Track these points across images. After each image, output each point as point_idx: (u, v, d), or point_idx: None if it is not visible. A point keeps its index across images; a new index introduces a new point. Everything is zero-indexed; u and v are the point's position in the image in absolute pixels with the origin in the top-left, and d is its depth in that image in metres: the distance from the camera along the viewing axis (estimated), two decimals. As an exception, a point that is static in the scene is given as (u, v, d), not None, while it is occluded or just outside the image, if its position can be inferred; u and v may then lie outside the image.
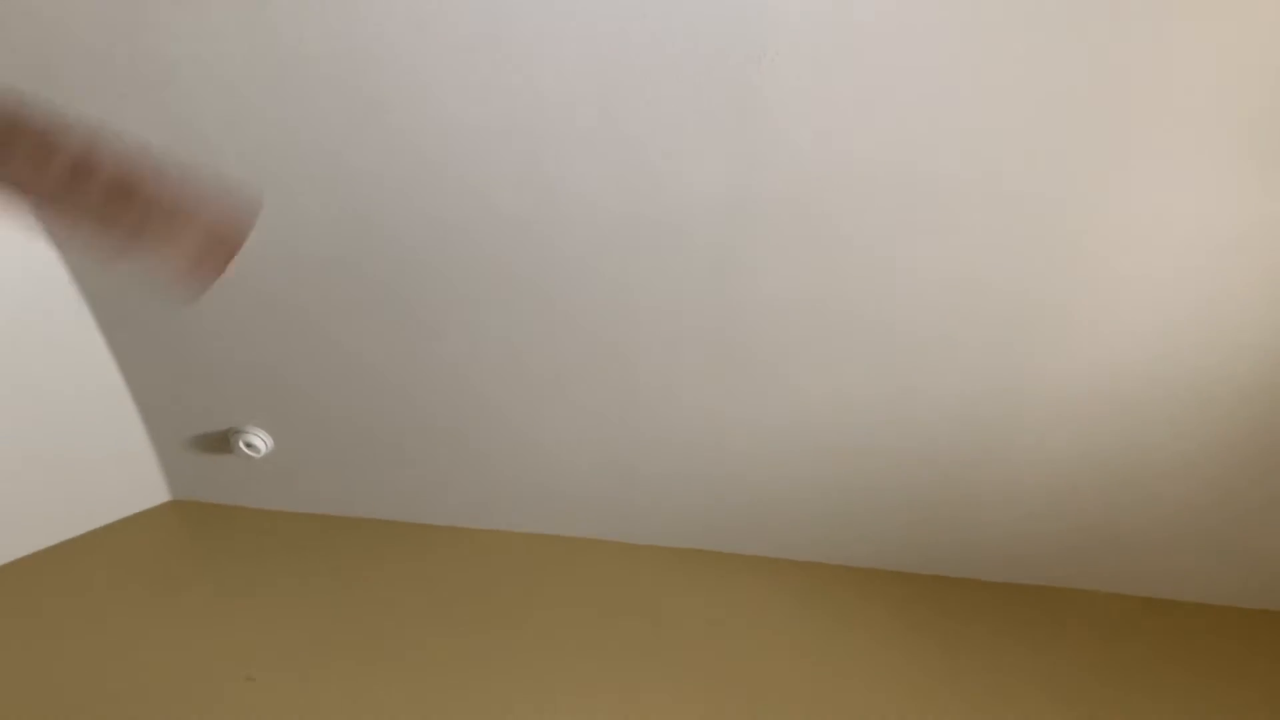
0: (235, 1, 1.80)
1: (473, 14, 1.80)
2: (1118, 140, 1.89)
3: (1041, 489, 2.59)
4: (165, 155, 1.22)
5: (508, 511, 2.93)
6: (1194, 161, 1.91)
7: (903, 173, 1.97)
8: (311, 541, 2.92)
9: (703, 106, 1.90)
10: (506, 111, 1.95)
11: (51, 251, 2.34)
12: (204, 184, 1.28)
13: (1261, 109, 1.82)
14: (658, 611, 2.76)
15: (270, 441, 2.77)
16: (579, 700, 2.52)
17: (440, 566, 2.86)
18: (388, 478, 2.87)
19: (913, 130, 1.91)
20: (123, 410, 2.74)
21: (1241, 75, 1.78)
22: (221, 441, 2.81)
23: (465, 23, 1.81)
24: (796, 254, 2.14)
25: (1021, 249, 2.08)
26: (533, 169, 2.05)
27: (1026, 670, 2.63)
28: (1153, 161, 1.92)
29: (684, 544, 2.94)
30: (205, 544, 2.94)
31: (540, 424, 2.63)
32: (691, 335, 2.35)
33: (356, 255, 2.26)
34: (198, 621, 2.68)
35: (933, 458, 2.55)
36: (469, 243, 2.21)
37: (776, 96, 1.87)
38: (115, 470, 2.87)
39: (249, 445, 2.75)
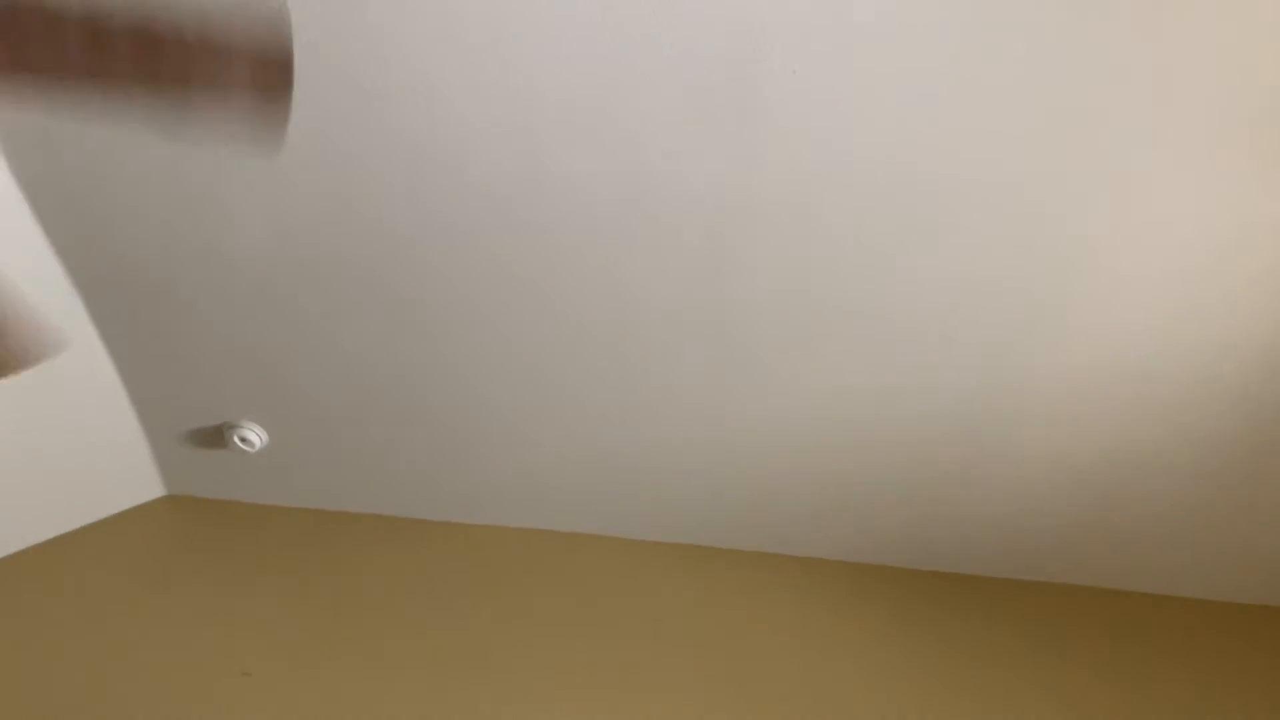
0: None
1: (473, 9, 1.78)
2: (1115, 140, 1.89)
3: (1039, 485, 2.59)
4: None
5: (504, 506, 2.93)
6: (1192, 161, 1.91)
7: (901, 171, 1.97)
8: (306, 536, 2.91)
9: (702, 105, 1.89)
10: (506, 107, 1.94)
11: (46, 244, 2.32)
12: (226, 13, 1.22)
13: (1260, 109, 1.82)
14: (655, 607, 2.76)
15: (265, 436, 2.77)
16: (575, 695, 2.52)
17: (436, 561, 2.86)
18: (383, 472, 2.86)
19: (911, 129, 1.90)
20: (117, 405, 2.73)
21: (1240, 76, 1.78)
22: (216, 436, 2.81)
23: (465, 18, 1.80)
24: (795, 251, 2.13)
25: (1019, 247, 2.08)
26: (531, 165, 2.03)
27: (1023, 665, 2.63)
28: (1150, 161, 1.92)
29: (681, 539, 2.94)
30: (200, 539, 2.93)
31: (537, 419, 2.63)
32: (690, 332, 2.34)
33: (353, 250, 2.25)
34: (193, 616, 2.67)
35: (930, 454, 2.55)
36: (466, 238, 2.20)
37: (775, 95, 1.86)
38: (110, 465, 2.86)
39: (244, 440, 2.74)
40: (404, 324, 2.42)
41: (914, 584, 2.85)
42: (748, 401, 2.49)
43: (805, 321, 2.28)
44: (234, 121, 1.28)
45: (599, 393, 2.53)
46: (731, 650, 2.65)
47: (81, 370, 2.60)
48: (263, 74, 1.26)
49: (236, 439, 2.74)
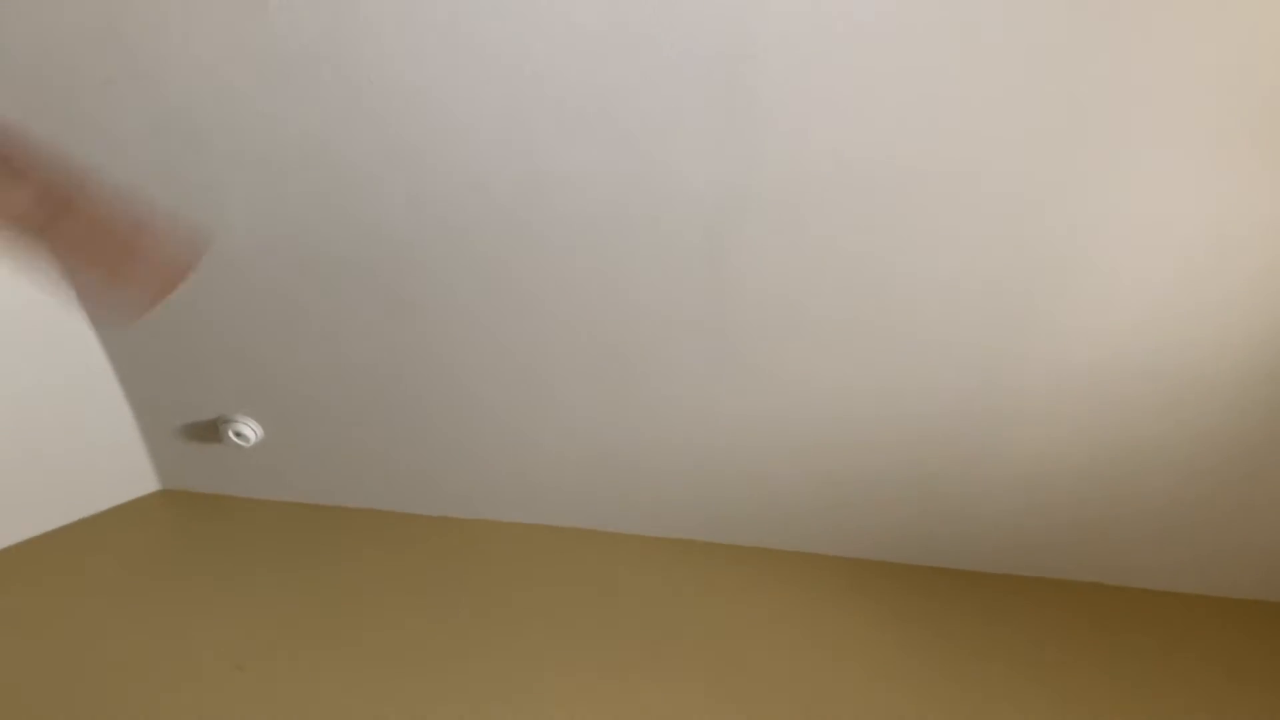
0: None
1: (469, 7, 1.78)
2: (1113, 139, 1.88)
3: (1037, 482, 2.59)
4: (116, 186, 1.23)
5: (499, 502, 2.92)
6: (1190, 160, 1.90)
7: (899, 171, 1.96)
8: (301, 531, 2.91)
9: (700, 105, 1.89)
10: (502, 106, 1.93)
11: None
12: (153, 217, 1.28)
13: (1260, 108, 1.81)
14: (652, 602, 2.76)
15: (260, 431, 2.76)
16: (572, 691, 2.52)
17: (431, 556, 2.86)
18: (378, 467, 2.86)
19: (909, 129, 1.90)
20: (111, 399, 2.73)
21: (1240, 75, 1.77)
22: (211, 430, 2.80)
23: (460, 16, 1.79)
24: (792, 251, 2.13)
25: (1017, 247, 2.08)
26: (528, 164, 2.03)
27: (1021, 661, 2.63)
28: (1148, 160, 1.91)
29: (679, 535, 2.94)
30: (194, 533, 2.93)
31: (533, 416, 2.62)
32: (686, 331, 2.34)
33: (346, 246, 2.25)
34: (187, 611, 2.67)
35: (928, 452, 2.55)
36: (460, 235, 2.19)
37: (773, 95, 1.86)
38: (103, 459, 2.85)
39: (238, 434, 2.74)
40: (399, 320, 2.41)
41: (912, 579, 2.84)
42: (745, 400, 2.49)
43: (803, 320, 2.27)
44: (104, 295, 1.36)
45: (595, 390, 2.53)
46: (728, 645, 2.65)
47: (76, 365, 2.60)
48: (152, 279, 1.34)
49: (231, 434, 2.74)
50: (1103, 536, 2.72)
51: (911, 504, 2.71)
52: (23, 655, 2.51)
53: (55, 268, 1.27)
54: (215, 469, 2.93)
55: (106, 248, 1.27)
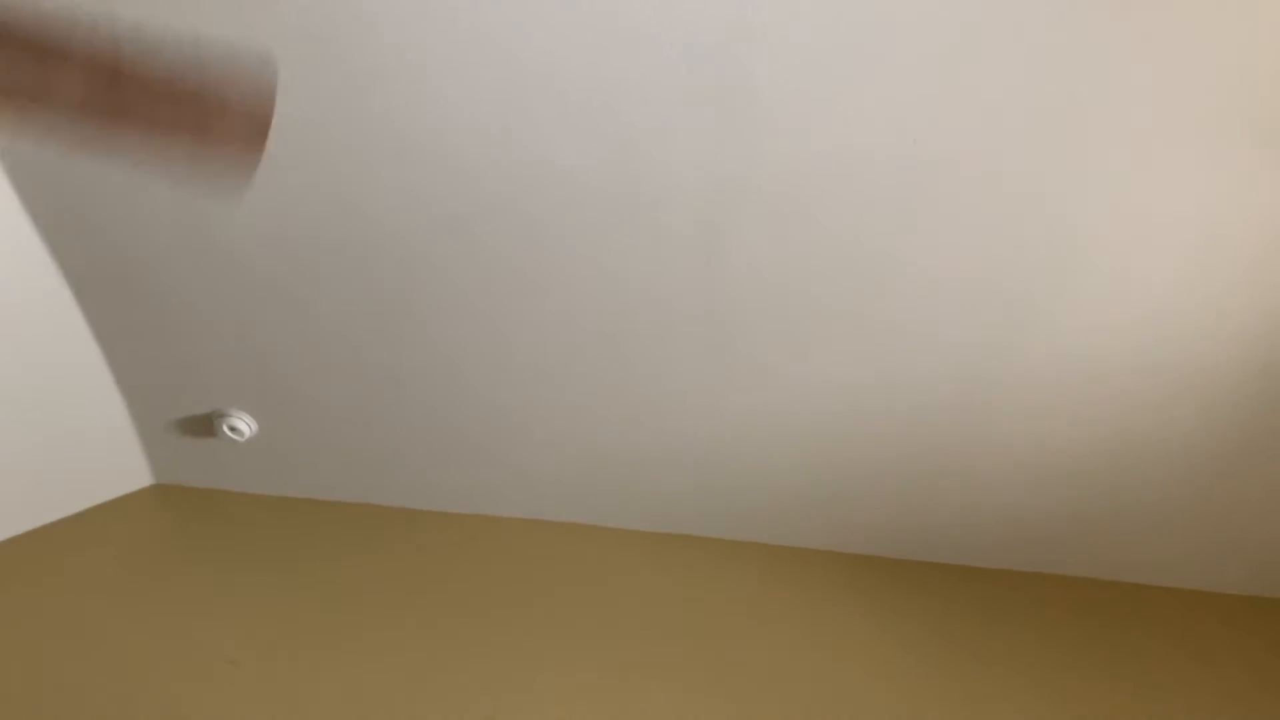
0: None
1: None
2: (1110, 135, 1.89)
3: (1034, 477, 2.59)
4: (168, 41, 1.17)
5: (495, 496, 2.92)
6: (1188, 153, 1.91)
7: (894, 164, 1.96)
8: (295, 526, 2.90)
9: (696, 96, 1.89)
10: (499, 98, 1.93)
11: (33, 231, 2.31)
12: (216, 64, 1.22)
13: (1259, 106, 1.82)
14: (650, 597, 2.76)
15: (254, 425, 2.76)
16: (568, 684, 2.52)
17: (428, 552, 2.85)
18: (373, 462, 2.85)
19: (906, 125, 1.90)
20: (105, 393, 2.72)
21: (1237, 70, 1.77)
22: (205, 425, 2.80)
23: (456, 8, 1.79)
24: (787, 241, 2.13)
25: (1015, 241, 2.08)
26: (524, 156, 2.03)
27: (1015, 655, 2.63)
28: (1145, 157, 1.92)
29: (677, 530, 2.94)
30: (188, 528, 2.92)
31: (529, 410, 2.62)
32: (683, 324, 2.34)
33: (343, 238, 2.25)
34: (180, 605, 2.66)
35: (922, 445, 2.55)
36: (457, 229, 2.19)
37: (770, 87, 1.86)
38: (98, 453, 2.84)
39: (233, 429, 2.73)
40: (394, 314, 2.41)
41: (908, 574, 2.85)
42: (740, 393, 2.49)
43: (799, 313, 2.28)
44: (206, 166, 1.30)
45: (591, 385, 2.53)
46: (726, 640, 2.65)
47: (70, 358, 2.59)
48: (243, 130, 1.29)
49: (226, 428, 2.73)
50: (1100, 532, 2.72)
51: (907, 498, 2.71)
52: (16, 649, 2.50)
53: (135, 146, 1.22)
54: (210, 463, 2.92)
55: (177, 109, 1.21)
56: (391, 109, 1.98)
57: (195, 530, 2.91)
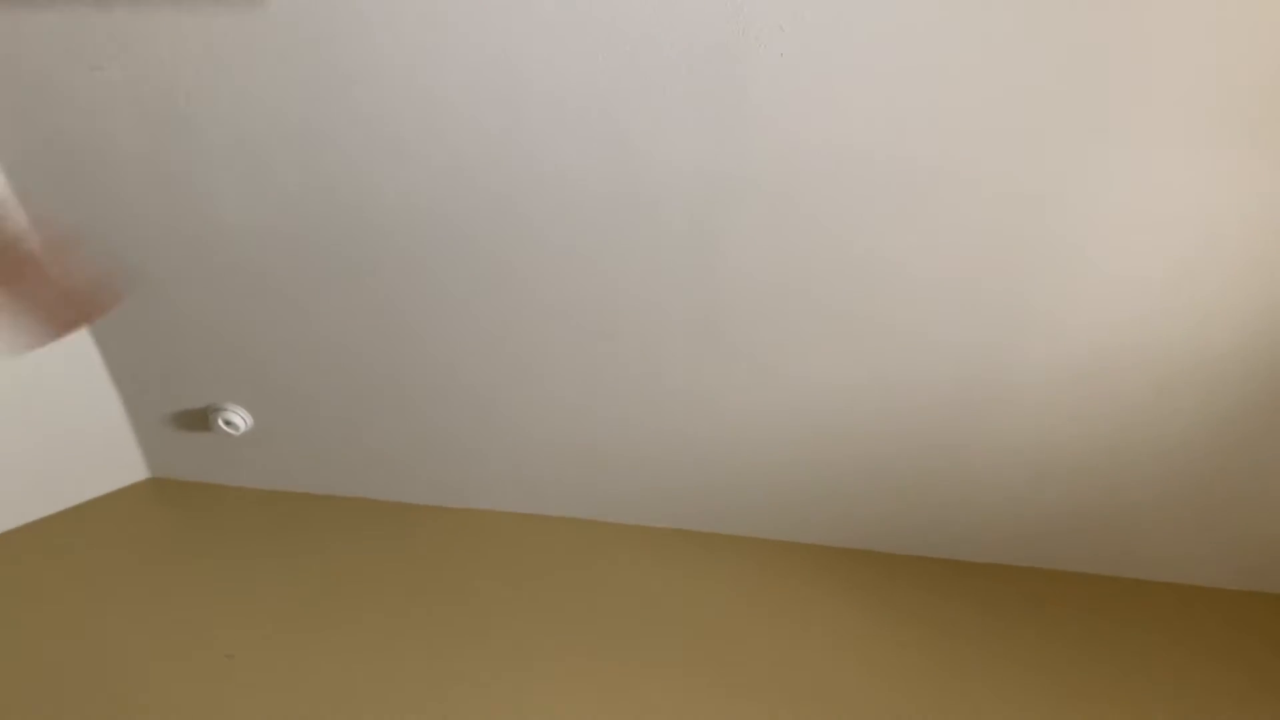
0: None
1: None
2: (1108, 134, 1.89)
3: (1026, 472, 2.59)
4: (53, 223, 1.20)
5: (491, 491, 2.92)
6: (1185, 156, 1.91)
7: (889, 162, 1.96)
8: (291, 520, 2.90)
9: (690, 93, 1.88)
10: (489, 94, 1.93)
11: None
12: (81, 255, 1.25)
13: (1258, 103, 1.82)
14: (641, 591, 2.76)
15: (249, 419, 2.75)
16: (560, 679, 2.52)
17: (420, 545, 2.85)
18: (368, 456, 2.85)
19: (902, 123, 1.90)
20: (101, 387, 2.72)
21: (1240, 72, 1.78)
22: (200, 419, 2.79)
23: (448, 3, 1.79)
24: (784, 241, 2.13)
25: (1012, 239, 2.08)
26: (516, 153, 2.03)
27: (1011, 651, 2.63)
28: (1143, 156, 1.92)
29: (670, 525, 2.94)
30: (183, 522, 2.92)
31: (523, 405, 2.62)
32: (676, 319, 2.33)
33: (338, 235, 2.24)
34: (176, 599, 2.66)
35: (918, 441, 2.55)
36: (449, 225, 2.19)
37: (764, 84, 1.86)
38: (93, 447, 2.84)
39: (228, 423, 2.73)
40: (390, 310, 2.40)
41: (906, 569, 2.84)
42: (738, 392, 2.49)
43: (796, 313, 2.27)
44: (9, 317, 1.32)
45: (586, 380, 2.52)
46: (722, 635, 2.65)
47: (64, 352, 2.58)
48: (61, 309, 1.31)
49: (221, 422, 2.73)
50: (1098, 527, 2.73)
51: (903, 494, 2.71)
52: (10, 643, 2.50)
53: None
54: (204, 457, 2.92)
55: (6, 267, 1.23)
56: (382, 106, 1.97)
57: (190, 524, 2.91)
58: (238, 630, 2.59)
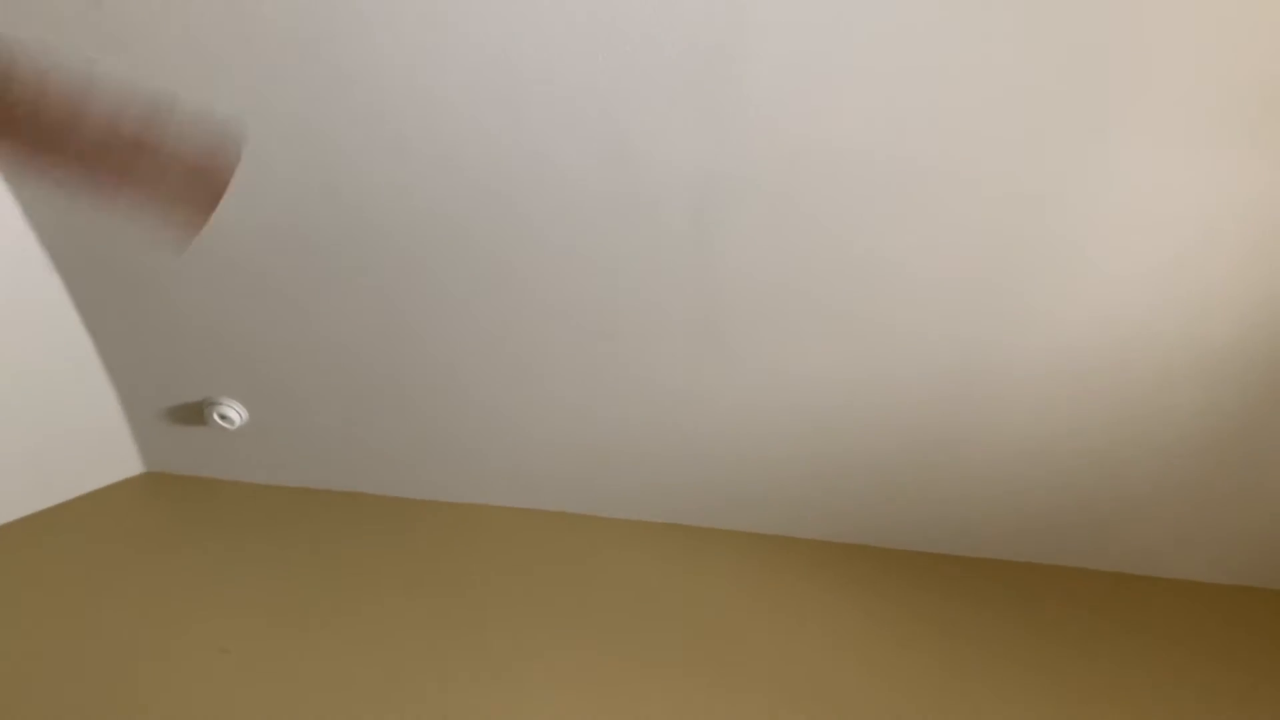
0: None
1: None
2: (1107, 132, 1.88)
3: (1027, 468, 2.60)
4: (146, 95, 1.16)
5: (487, 486, 2.92)
6: (1184, 155, 1.91)
7: (887, 159, 1.96)
8: (286, 514, 2.90)
9: (687, 90, 1.87)
10: (488, 91, 1.91)
11: (23, 223, 2.29)
12: (187, 122, 1.22)
13: (1256, 102, 1.82)
14: (639, 586, 2.76)
15: (245, 413, 2.75)
16: (558, 673, 2.52)
17: (417, 540, 2.85)
18: (364, 451, 2.84)
19: (895, 117, 1.89)
20: (95, 381, 2.71)
21: (1239, 72, 1.77)
22: (196, 413, 2.78)
23: (448, 1, 1.77)
24: (783, 239, 2.13)
25: (1009, 236, 2.08)
26: (514, 150, 2.01)
27: (1009, 647, 2.65)
28: (1141, 154, 1.92)
29: (667, 520, 2.94)
30: (179, 516, 2.91)
31: (521, 400, 2.61)
32: (674, 316, 2.33)
33: (335, 233, 2.23)
34: (171, 593, 2.66)
35: (913, 436, 2.56)
36: (447, 221, 2.18)
37: (761, 81, 1.85)
38: (88, 441, 2.83)
39: (223, 417, 2.72)
40: (387, 306, 2.40)
41: (904, 564, 2.86)
42: (737, 390, 2.49)
43: (795, 311, 2.27)
44: (152, 217, 1.30)
45: (584, 376, 2.52)
46: (718, 630, 2.66)
47: (60, 347, 2.57)
48: (195, 189, 1.29)
49: (216, 416, 2.72)
50: (1097, 523, 2.74)
51: (896, 488, 2.72)
52: (6, 638, 2.50)
53: (80, 190, 1.22)
54: (200, 451, 2.91)
55: (125, 160, 1.21)
56: (381, 104, 1.96)
57: (186, 518, 2.91)
58: (233, 624, 2.59)
